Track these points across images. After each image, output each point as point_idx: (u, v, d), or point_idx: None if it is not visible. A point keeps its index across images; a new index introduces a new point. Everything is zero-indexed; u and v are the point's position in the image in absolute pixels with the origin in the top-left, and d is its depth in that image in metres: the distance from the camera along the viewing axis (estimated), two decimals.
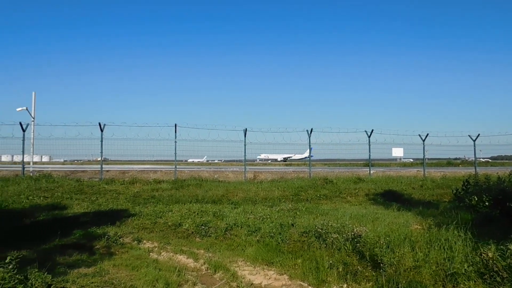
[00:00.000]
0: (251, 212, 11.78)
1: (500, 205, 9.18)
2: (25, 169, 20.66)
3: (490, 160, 56.16)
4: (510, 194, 9.00)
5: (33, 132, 22.16)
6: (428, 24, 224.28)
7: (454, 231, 7.48)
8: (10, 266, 5.00)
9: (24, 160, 21.01)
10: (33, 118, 22.52)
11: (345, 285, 6.63)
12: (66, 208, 12.83)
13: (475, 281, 6.00)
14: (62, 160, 39.15)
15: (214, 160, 51.42)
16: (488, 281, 5.92)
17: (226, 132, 27.08)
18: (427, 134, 24.29)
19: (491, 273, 5.96)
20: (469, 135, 25.01)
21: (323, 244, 8.26)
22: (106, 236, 9.20)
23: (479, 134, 24.82)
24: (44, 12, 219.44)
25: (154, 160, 27.50)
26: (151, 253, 8.42)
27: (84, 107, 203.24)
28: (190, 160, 43.79)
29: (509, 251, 6.10)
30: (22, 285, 4.82)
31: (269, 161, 64.52)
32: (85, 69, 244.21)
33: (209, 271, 7.40)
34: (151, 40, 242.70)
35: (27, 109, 22.66)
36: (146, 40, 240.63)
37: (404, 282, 6.21)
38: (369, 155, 23.61)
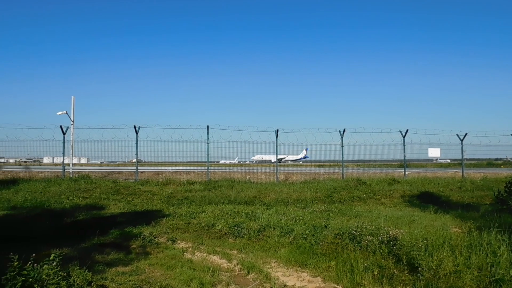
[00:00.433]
0: (284, 214, 11.75)
1: None
2: (65, 170, 21.51)
3: None
4: None
5: (72, 134, 23.00)
6: (468, 19, 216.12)
7: (497, 235, 7.16)
8: (54, 263, 5.22)
9: (64, 161, 21.88)
10: (72, 121, 23.38)
11: None
12: (103, 208, 13.29)
13: None
14: (99, 161, 40.66)
15: (246, 161, 51.64)
16: None
17: (257, 133, 27.07)
18: (466, 134, 23.48)
19: None
20: (511, 134, 23.88)
21: (357, 246, 8.11)
22: (142, 236, 9.41)
23: None
24: (82, 22, 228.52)
25: (187, 162, 27.95)
26: (185, 253, 8.54)
27: (119, 109, 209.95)
28: (221, 161, 44.20)
29: None
30: (65, 282, 5.03)
31: (265, 162, 62.68)
32: (121, 74, 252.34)
33: (242, 272, 7.42)
34: (187, 45, 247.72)
35: (66, 113, 23.54)
36: (182, 46, 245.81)
37: (443, 287, 5.99)
38: (404, 156, 23.03)
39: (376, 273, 6.84)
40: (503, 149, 25.89)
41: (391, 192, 16.76)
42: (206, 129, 21.31)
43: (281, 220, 10.75)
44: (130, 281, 6.10)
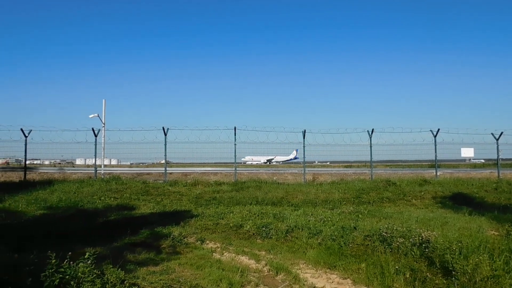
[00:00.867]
0: (312, 215, 11.65)
1: None
2: (97, 171, 22.16)
3: None
4: None
5: (104, 137, 23.65)
6: (497, 18, 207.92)
7: None
8: (89, 262, 5.38)
9: (96, 163, 22.54)
10: (104, 124, 24.06)
11: None
12: (134, 209, 13.61)
13: None
14: (129, 163, 41.74)
15: (273, 162, 51.65)
16: None
17: (284, 134, 27.02)
18: (502, 133, 22.61)
19: None
20: None
21: (388, 248, 7.94)
22: (171, 236, 9.54)
23: None
24: (109, 25, 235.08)
25: (214, 163, 28.23)
26: (214, 253, 8.61)
27: (149, 111, 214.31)
28: (248, 162, 44.37)
29: None
30: (99, 280, 5.17)
31: (254, 163, 61.31)
32: (150, 76, 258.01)
33: (271, 272, 7.40)
34: (214, 46, 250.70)
35: (98, 116, 24.26)
36: (210, 47, 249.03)
37: None
38: (435, 156, 22.35)
39: (408, 276, 6.67)
40: None
41: (422, 193, 16.32)
42: (233, 130, 21.43)
43: (309, 221, 10.66)
44: (161, 280, 6.20)
